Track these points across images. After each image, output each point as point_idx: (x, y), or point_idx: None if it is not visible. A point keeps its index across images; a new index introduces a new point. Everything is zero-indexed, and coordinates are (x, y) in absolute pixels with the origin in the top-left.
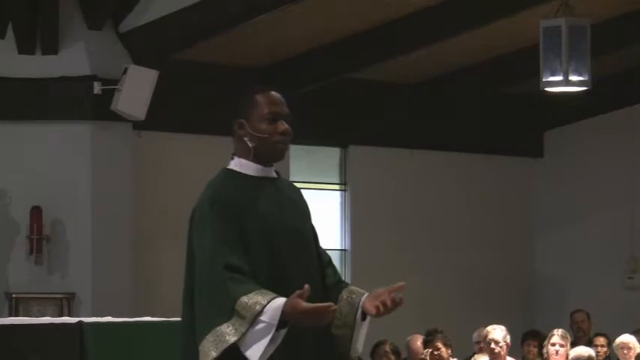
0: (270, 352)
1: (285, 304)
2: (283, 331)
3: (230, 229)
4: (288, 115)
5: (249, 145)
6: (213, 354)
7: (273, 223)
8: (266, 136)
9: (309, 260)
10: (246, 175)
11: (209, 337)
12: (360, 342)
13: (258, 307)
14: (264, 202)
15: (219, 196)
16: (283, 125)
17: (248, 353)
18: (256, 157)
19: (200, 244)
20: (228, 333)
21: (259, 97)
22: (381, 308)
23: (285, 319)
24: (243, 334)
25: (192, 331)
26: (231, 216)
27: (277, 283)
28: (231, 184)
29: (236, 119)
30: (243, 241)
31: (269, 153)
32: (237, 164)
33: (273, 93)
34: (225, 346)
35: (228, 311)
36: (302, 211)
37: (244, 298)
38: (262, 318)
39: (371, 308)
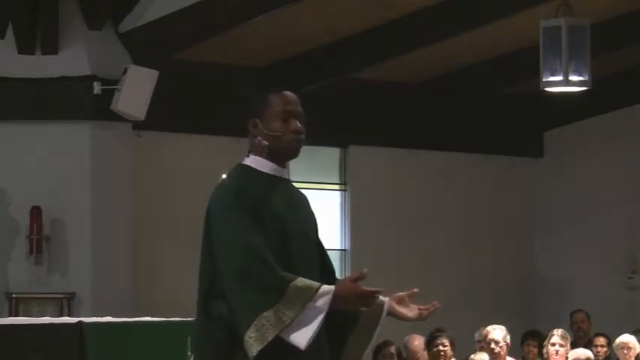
0: (313, 338)
1: (338, 288)
2: (324, 318)
3: (253, 219)
4: (302, 114)
5: (263, 143)
6: (269, 337)
7: (287, 222)
8: (279, 134)
9: (314, 263)
10: (261, 172)
11: (259, 322)
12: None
13: (310, 292)
14: (280, 200)
15: (239, 186)
16: (296, 123)
17: (294, 338)
18: (271, 156)
19: (223, 236)
20: (277, 318)
21: (273, 97)
22: (425, 313)
23: (332, 304)
24: (292, 319)
25: (211, 329)
26: (252, 208)
27: None
28: (247, 179)
29: (250, 119)
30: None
31: (283, 151)
32: (254, 161)
33: (287, 92)
34: (278, 330)
35: (272, 298)
36: (311, 218)
37: (292, 284)
38: (314, 303)
39: (409, 313)
